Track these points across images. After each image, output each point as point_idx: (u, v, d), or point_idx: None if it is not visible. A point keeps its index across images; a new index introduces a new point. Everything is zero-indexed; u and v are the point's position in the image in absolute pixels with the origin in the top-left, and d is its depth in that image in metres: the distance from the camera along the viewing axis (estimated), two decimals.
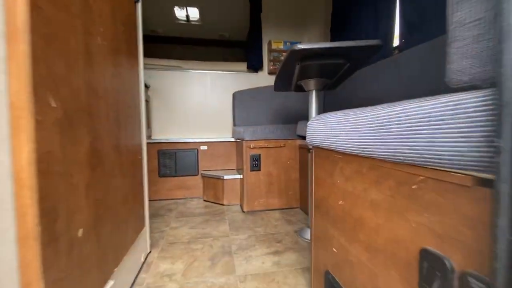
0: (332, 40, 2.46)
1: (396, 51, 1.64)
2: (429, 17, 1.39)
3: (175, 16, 3.54)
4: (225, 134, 2.59)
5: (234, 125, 2.46)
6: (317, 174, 0.85)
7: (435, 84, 1.31)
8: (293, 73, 1.31)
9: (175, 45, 4.25)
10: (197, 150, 2.27)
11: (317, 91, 1.35)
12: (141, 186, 1.16)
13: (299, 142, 1.93)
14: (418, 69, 1.41)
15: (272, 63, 2.60)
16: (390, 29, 1.68)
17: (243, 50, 4.56)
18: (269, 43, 2.59)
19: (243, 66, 2.70)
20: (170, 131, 2.48)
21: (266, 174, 1.89)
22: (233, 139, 2.32)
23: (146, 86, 2.35)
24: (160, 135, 2.47)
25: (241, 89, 2.59)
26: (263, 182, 1.89)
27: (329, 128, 0.73)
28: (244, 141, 1.86)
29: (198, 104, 2.53)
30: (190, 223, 1.66)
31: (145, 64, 2.54)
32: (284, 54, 2.61)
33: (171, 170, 2.22)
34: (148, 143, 2.19)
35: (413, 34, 1.49)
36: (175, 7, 3.30)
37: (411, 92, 1.44)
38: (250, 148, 1.85)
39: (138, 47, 1.17)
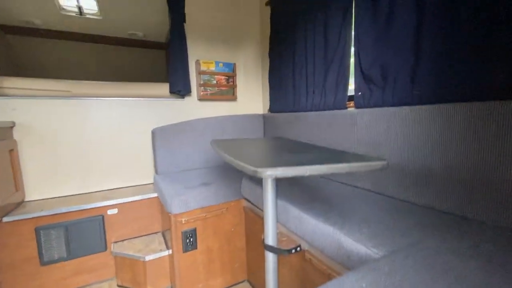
0: (272, 64, 2.14)
1: (352, 103, 1.43)
2: (393, 74, 1.20)
3: (59, 5, 2.55)
4: (143, 180, 1.98)
5: (156, 172, 1.90)
6: None
7: (400, 157, 1.14)
8: None
9: (62, 43, 3.17)
10: (103, 216, 1.63)
11: (274, 180, 1.00)
12: None
13: (244, 203, 1.56)
14: (381, 133, 1.23)
15: (202, 88, 2.11)
16: (344, 72, 1.46)
17: (163, 52, 3.80)
18: (197, 63, 2.08)
19: (165, 88, 2.09)
20: (57, 189, 1.72)
21: (205, 251, 1.47)
22: (155, 194, 1.76)
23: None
24: (40, 195, 1.68)
25: (164, 120, 2.02)
26: (202, 262, 1.46)
27: None
28: (172, 215, 1.37)
29: (101, 146, 1.83)
30: None
31: (4, 88, 1.66)
32: (217, 76, 2.15)
33: (61, 252, 1.53)
34: (16, 221, 1.42)
35: (373, 90, 1.30)
36: None
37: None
38: (182, 223, 1.38)
39: None
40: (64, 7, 2.60)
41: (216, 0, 2.14)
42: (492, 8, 0.86)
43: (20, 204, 1.58)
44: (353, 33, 1.37)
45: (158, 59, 3.83)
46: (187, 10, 2.00)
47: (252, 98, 2.37)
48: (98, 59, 3.47)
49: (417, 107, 1.08)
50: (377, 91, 1.27)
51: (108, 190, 1.87)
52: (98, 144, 1.82)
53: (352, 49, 1.40)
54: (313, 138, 1.65)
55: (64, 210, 1.52)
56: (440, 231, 0.81)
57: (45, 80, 1.77)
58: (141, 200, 1.73)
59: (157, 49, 3.77)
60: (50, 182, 1.70)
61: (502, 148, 0.84)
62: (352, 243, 0.80)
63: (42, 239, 1.48)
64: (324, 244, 0.91)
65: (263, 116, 2.28)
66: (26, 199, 1.65)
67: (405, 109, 1.12)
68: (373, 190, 1.29)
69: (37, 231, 1.47)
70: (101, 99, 1.82)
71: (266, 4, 2.09)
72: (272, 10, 2.06)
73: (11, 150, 1.52)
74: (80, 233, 1.56)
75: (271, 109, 2.20)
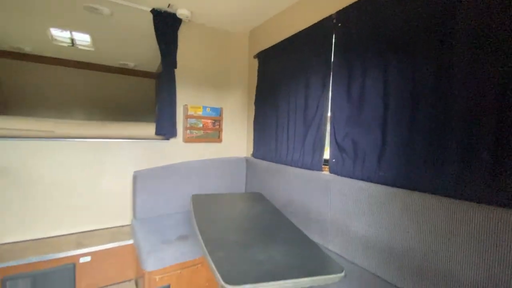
0: (257, 113, 2.24)
1: (327, 169, 1.52)
2: (362, 151, 1.31)
3: (52, 36, 2.59)
4: (120, 222, 1.96)
5: (134, 216, 1.89)
6: None
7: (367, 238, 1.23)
8: None
9: (52, 68, 3.18)
10: (75, 265, 1.59)
11: None
12: None
13: None
14: (351, 205, 1.31)
15: (188, 131, 2.17)
16: (321, 138, 1.56)
17: (154, 81, 3.87)
18: (185, 107, 2.15)
19: (150, 129, 2.12)
20: (30, 231, 1.68)
21: None
22: (131, 241, 1.75)
23: None
24: (13, 237, 1.63)
25: (147, 161, 2.03)
26: None
27: None
28: (147, 272, 1.37)
29: (78, 187, 1.81)
30: None
31: None
32: (203, 120, 2.22)
33: None
34: None
35: (345, 159, 1.40)
36: (51, 28, 2.39)
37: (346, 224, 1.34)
38: (156, 281, 1.38)
39: None
40: (57, 37, 2.64)
41: (208, 49, 2.26)
42: (447, 111, 0.98)
43: None
44: (330, 104, 1.50)
45: (148, 87, 3.88)
46: (179, 56, 2.09)
47: (236, 141, 2.45)
48: (89, 84, 3.50)
49: (383, 186, 1.18)
50: (349, 161, 1.37)
51: (82, 232, 1.83)
52: (75, 186, 1.80)
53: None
54: (291, 193, 1.72)
55: (34, 259, 1.48)
56: None
57: (25, 118, 1.77)
58: (116, 247, 1.71)
59: (148, 78, 3.84)
60: (22, 224, 1.65)
61: (450, 242, 0.94)
62: None
63: None
64: None
65: (246, 160, 2.35)
66: None
67: (372, 186, 1.22)
68: (341, 255, 1.36)
69: (4, 282, 1.41)
70: (81, 141, 1.83)
71: (254, 57, 2.23)
72: (259, 64, 2.19)
73: None
74: (49, 282, 1.52)
75: (254, 155, 2.27)
